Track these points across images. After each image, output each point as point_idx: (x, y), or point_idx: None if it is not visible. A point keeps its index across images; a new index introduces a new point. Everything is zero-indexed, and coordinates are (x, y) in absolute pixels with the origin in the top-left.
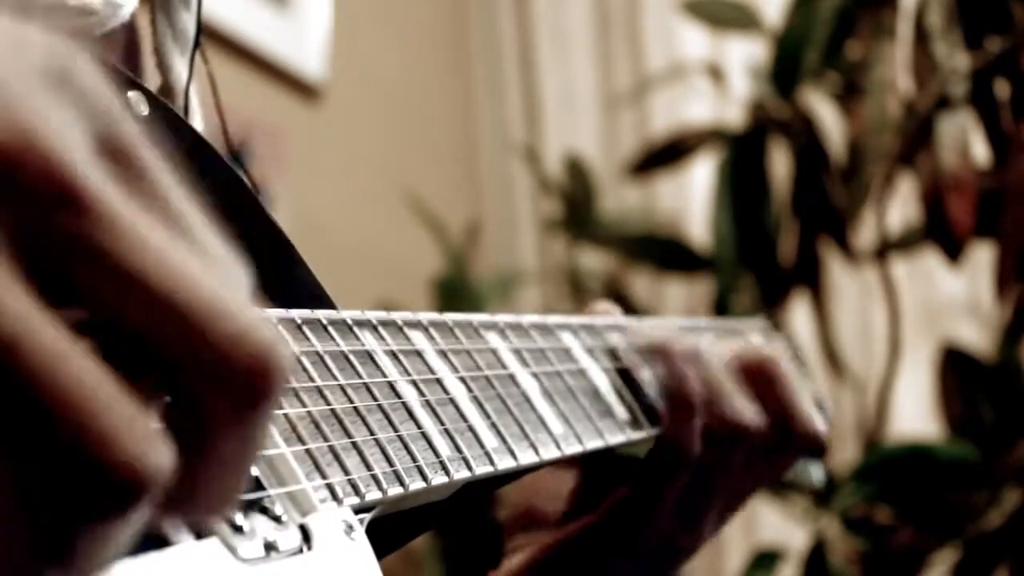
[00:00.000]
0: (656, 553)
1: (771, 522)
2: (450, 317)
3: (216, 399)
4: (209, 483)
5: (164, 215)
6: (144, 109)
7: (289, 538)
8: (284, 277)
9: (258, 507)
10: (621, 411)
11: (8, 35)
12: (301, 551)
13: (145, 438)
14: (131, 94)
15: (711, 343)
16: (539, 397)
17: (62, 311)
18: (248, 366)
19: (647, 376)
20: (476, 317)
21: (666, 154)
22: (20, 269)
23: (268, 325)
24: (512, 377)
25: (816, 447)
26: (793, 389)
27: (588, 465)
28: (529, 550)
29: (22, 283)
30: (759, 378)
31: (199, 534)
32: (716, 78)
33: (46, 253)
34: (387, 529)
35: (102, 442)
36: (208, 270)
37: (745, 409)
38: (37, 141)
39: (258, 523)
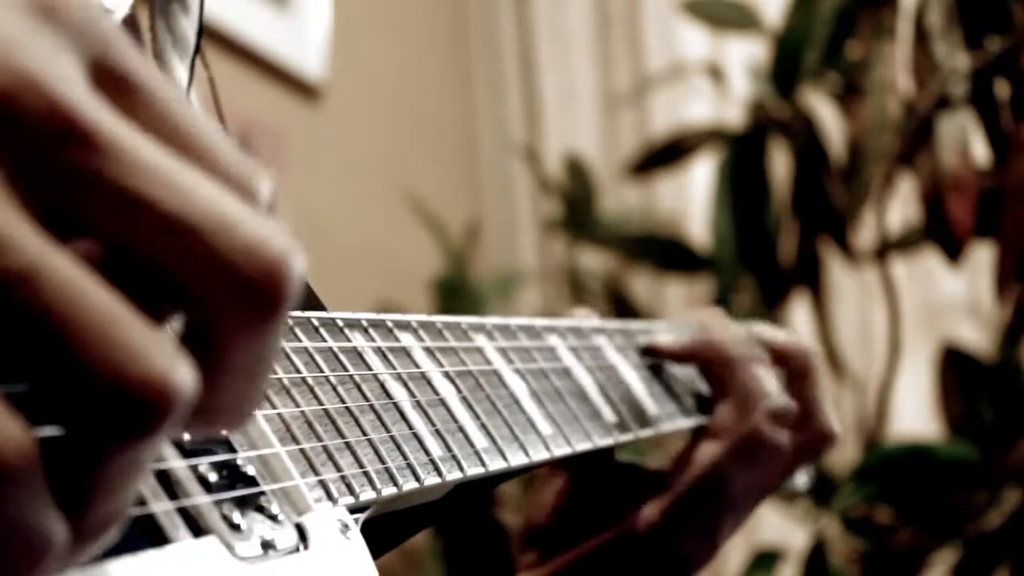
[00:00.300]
0: (675, 564)
1: (771, 522)
2: (439, 319)
3: (231, 311)
4: (228, 394)
5: (167, 131)
6: None
7: (286, 537)
8: None
9: (255, 506)
10: (608, 413)
11: None
12: (298, 550)
13: (169, 356)
14: None
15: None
16: (527, 399)
17: (72, 244)
18: (260, 276)
19: (632, 377)
20: (465, 319)
21: (666, 154)
22: (29, 207)
23: (279, 233)
24: (500, 378)
25: (827, 447)
26: (821, 387)
27: (579, 474)
28: (543, 568)
29: (32, 219)
30: (793, 371)
31: (197, 532)
32: (716, 78)
33: (53, 189)
34: (382, 529)
35: (129, 362)
36: (216, 183)
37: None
38: (34, 79)
39: (255, 522)
